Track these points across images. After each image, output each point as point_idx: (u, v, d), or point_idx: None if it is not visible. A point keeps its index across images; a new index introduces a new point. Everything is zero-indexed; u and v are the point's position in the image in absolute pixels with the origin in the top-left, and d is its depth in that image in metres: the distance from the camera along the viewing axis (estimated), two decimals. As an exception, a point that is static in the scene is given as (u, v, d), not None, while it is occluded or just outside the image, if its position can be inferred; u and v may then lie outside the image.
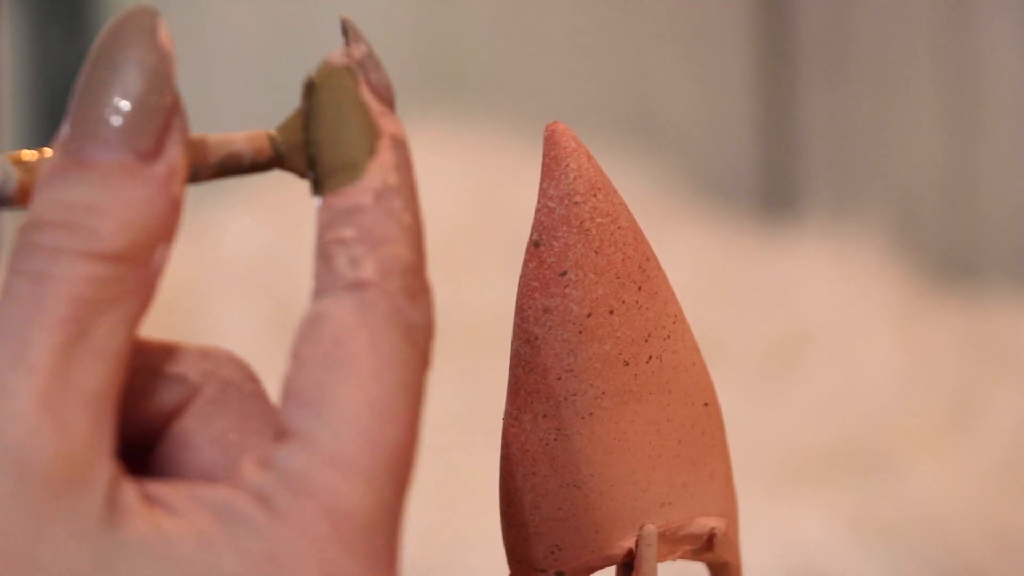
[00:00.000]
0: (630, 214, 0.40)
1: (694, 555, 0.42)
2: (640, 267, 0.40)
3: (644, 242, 0.40)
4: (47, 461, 0.31)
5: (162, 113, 0.33)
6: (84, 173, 0.32)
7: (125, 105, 0.33)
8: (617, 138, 1.68)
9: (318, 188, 0.35)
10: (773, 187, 1.90)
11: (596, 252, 0.39)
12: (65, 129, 0.33)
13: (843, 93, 1.87)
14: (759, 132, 1.91)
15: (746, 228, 1.69)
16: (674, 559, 0.42)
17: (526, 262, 0.39)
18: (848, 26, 1.87)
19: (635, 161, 1.67)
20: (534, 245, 0.39)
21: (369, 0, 1.82)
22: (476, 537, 1.15)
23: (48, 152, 0.34)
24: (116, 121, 0.33)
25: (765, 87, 1.90)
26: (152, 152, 0.33)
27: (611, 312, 0.39)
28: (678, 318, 0.41)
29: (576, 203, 0.39)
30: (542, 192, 0.39)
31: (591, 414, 0.39)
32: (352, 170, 0.34)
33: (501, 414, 0.40)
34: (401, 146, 0.35)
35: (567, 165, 0.39)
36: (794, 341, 1.47)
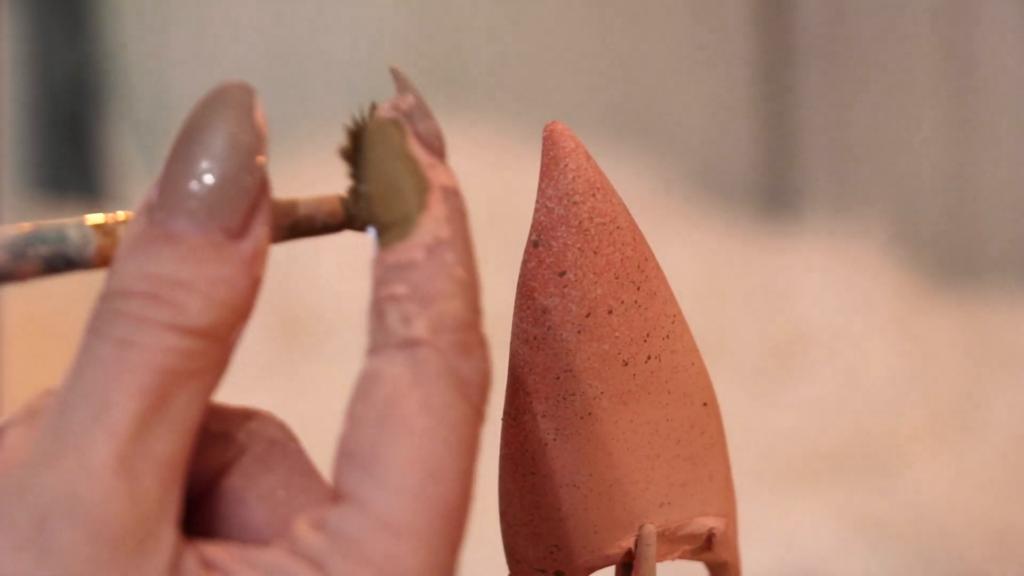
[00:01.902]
0: (629, 214, 0.40)
1: (693, 555, 0.42)
2: (639, 267, 0.40)
3: (643, 242, 0.40)
4: (120, 522, 0.31)
5: (252, 192, 0.33)
6: (172, 247, 0.33)
7: (217, 181, 0.33)
8: (617, 138, 1.68)
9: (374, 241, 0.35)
10: (773, 187, 1.90)
11: (595, 252, 0.39)
12: (152, 196, 0.33)
13: (843, 93, 1.87)
14: (759, 132, 1.91)
15: (746, 228, 1.69)
16: (673, 559, 0.42)
17: (525, 262, 0.39)
18: (848, 26, 1.87)
19: (635, 161, 1.67)
20: (533, 245, 0.39)
21: (370, 0, 1.82)
22: (476, 537, 1.15)
23: (125, 216, 0.34)
24: (206, 196, 0.33)
25: (765, 87, 1.90)
26: (239, 231, 0.33)
27: (610, 312, 0.39)
28: (677, 318, 0.41)
29: (575, 203, 0.39)
30: (541, 192, 0.39)
31: (590, 414, 0.39)
32: (404, 225, 0.34)
33: (501, 414, 0.40)
34: (453, 196, 0.35)
35: (566, 165, 0.39)
36: (794, 341, 1.47)
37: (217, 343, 0.33)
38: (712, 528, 0.42)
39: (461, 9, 1.85)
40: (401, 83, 0.36)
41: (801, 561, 1.15)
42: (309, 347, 1.47)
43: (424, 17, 1.84)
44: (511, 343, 0.40)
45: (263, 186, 0.33)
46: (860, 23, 1.87)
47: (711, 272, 1.54)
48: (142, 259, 0.33)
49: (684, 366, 0.41)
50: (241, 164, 0.33)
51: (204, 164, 0.33)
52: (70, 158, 1.77)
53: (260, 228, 0.33)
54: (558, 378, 0.39)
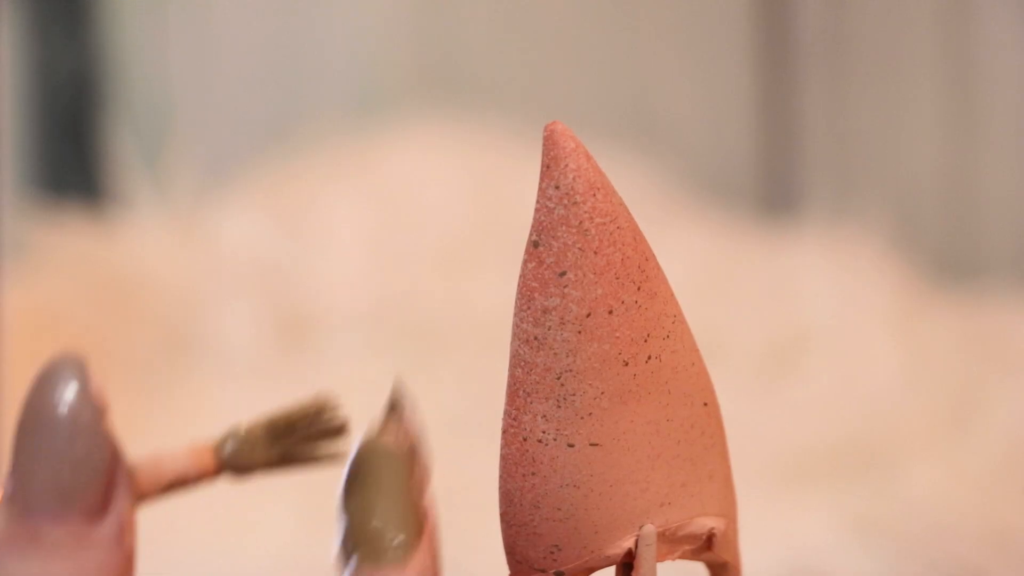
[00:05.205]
0: (629, 214, 0.40)
1: (693, 555, 0.42)
2: (639, 267, 0.40)
3: (643, 242, 0.40)
4: None
5: (103, 468, 0.33)
6: (37, 547, 0.32)
7: (65, 468, 0.32)
8: (617, 138, 1.68)
9: (355, 551, 0.35)
10: (773, 187, 1.90)
11: (595, 252, 0.39)
12: (8, 488, 0.33)
13: (843, 93, 1.87)
14: (759, 132, 1.91)
15: (746, 228, 1.69)
16: (673, 559, 0.42)
17: (525, 262, 0.39)
18: (848, 26, 1.87)
19: (635, 161, 1.67)
20: (533, 245, 0.39)
21: (369, 0, 1.82)
22: (476, 537, 1.15)
23: None
24: (58, 486, 0.32)
25: (765, 87, 1.90)
26: (99, 510, 0.32)
27: (610, 312, 0.39)
28: (677, 318, 0.41)
29: (575, 203, 0.39)
30: (541, 192, 0.39)
31: (590, 414, 0.39)
32: (403, 550, 0.36)
33: (501, 414, 0.40)
34: (435, 530, 0.36)
35: (566, 165, 0.39)
36: (794, 341, 1.47)
37: None
38: (712, 528, 0.42)
39: (461, 9, 1.85)
40: (409, 407, 0.37)
41: (801, 561, 1.14)
42: (308, 347, 1.47)
43: (424, 17, 1.84)
44: (511, 343, 0.40)
45: (115, 457, 0.33)
46: (860, 23, 1.87)
47: (711, 272, 1.54)
48: (12, 562, 0.32)
49: (684, 366, 0.41)
50: (87, 443, 0.32)
51: (49, 452, 0.32)
52: (70, 158, 1.77)
53: (121, 500, 0.33)
54: (558, 378, 0.39)
